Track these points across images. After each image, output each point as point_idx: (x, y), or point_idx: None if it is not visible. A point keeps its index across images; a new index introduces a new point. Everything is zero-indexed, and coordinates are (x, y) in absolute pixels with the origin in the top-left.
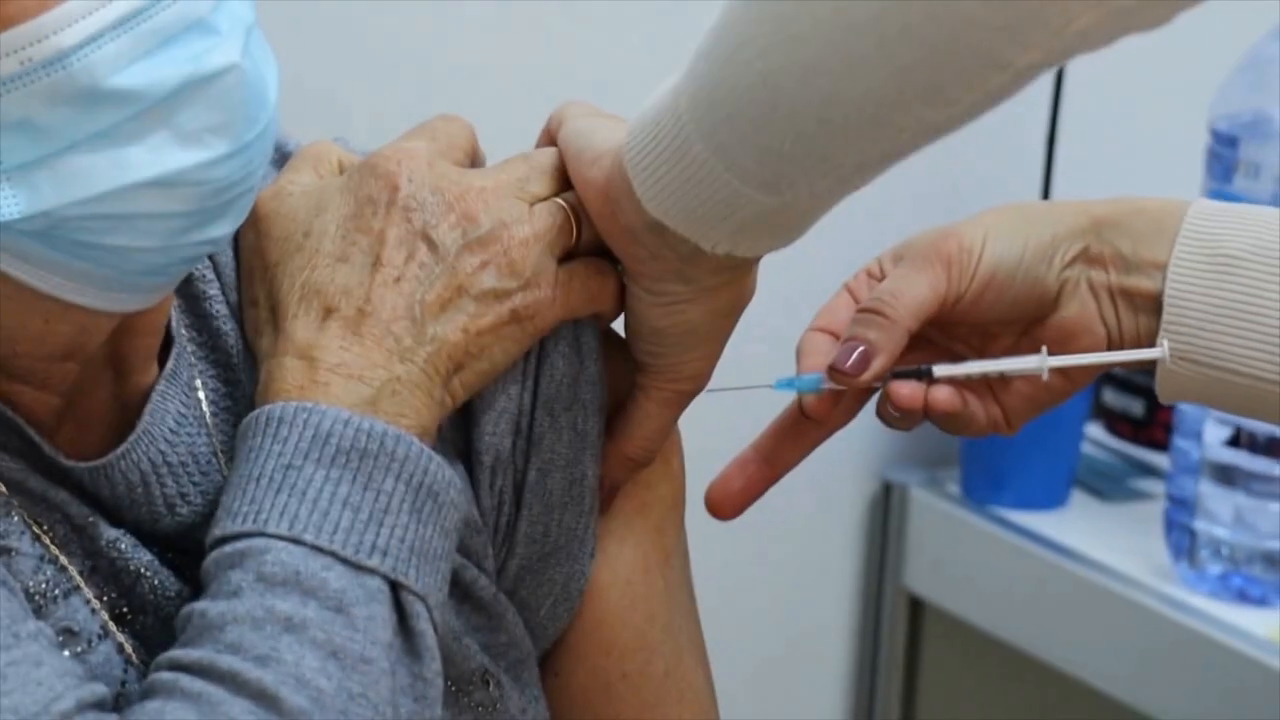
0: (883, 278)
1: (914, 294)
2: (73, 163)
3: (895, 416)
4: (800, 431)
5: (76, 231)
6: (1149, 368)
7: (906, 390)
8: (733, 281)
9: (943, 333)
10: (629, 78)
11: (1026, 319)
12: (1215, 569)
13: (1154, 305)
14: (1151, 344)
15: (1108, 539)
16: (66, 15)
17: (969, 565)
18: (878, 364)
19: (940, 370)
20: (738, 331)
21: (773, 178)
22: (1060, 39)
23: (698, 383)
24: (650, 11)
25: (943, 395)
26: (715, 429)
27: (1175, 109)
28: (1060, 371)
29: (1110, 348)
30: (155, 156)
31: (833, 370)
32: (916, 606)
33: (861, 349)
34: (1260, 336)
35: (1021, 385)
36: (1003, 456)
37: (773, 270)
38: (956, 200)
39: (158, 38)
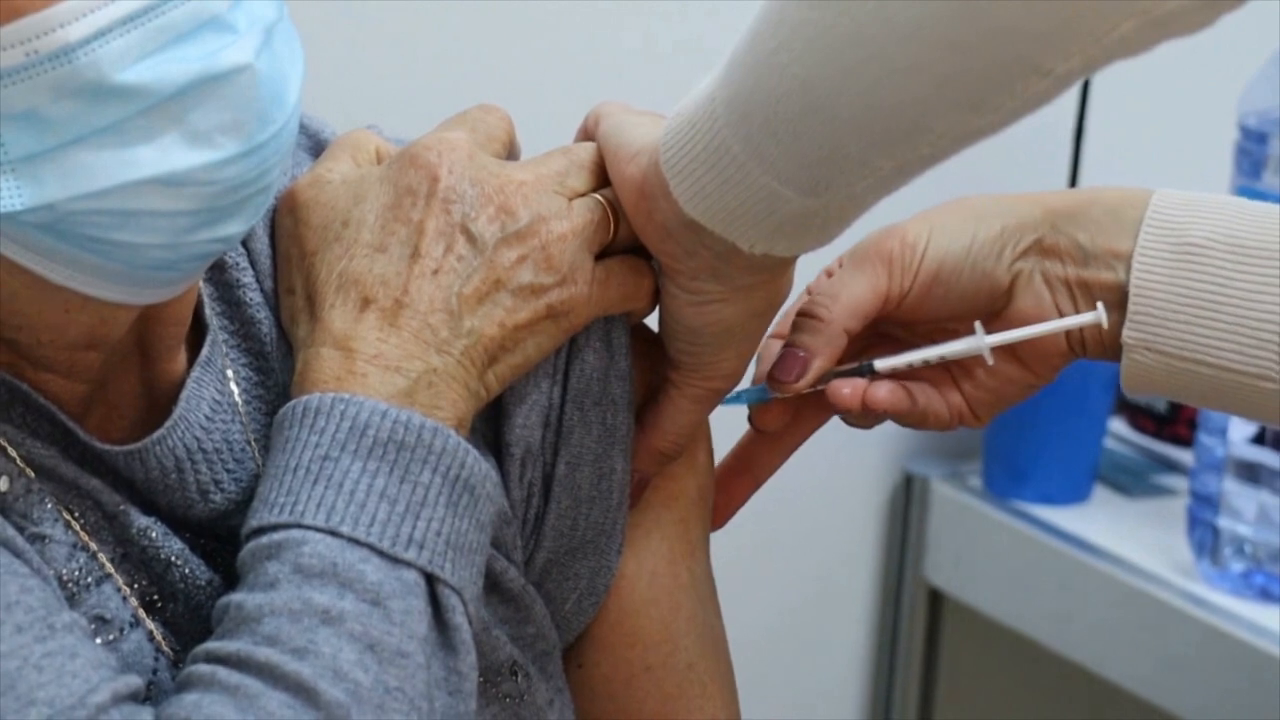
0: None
1: (850, 294)
2: (78, 157)
3: (849, 418)
4: (773, 439)
5: (83, 226)
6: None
7: (847, 390)
8: (769, 281)
9: (905, 330)
10: (658, 74)
11: (979, 313)
12: (1238, 566)
13: (1116, 297)
14: (1116, 340)
15: (1130, 535)
16: (74, 9)
17: (990, 559)
18: (814, 368)
19: (881, 364)
20: None
21: (811, 181)
22: (1101, 45)
23: (731, 381)
24: (678, 9)
25: (881, 394)
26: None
27: (1204, 104)
28: (1017, 360)
29: (1070, 341)
30: (162, 154)
31: (770, 379)
32: (936, 599)
33: (800, 354)
34: (1227, 326)
35: (985, 376)
36: (1025, 450)
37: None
38: None
39: (168, 34)
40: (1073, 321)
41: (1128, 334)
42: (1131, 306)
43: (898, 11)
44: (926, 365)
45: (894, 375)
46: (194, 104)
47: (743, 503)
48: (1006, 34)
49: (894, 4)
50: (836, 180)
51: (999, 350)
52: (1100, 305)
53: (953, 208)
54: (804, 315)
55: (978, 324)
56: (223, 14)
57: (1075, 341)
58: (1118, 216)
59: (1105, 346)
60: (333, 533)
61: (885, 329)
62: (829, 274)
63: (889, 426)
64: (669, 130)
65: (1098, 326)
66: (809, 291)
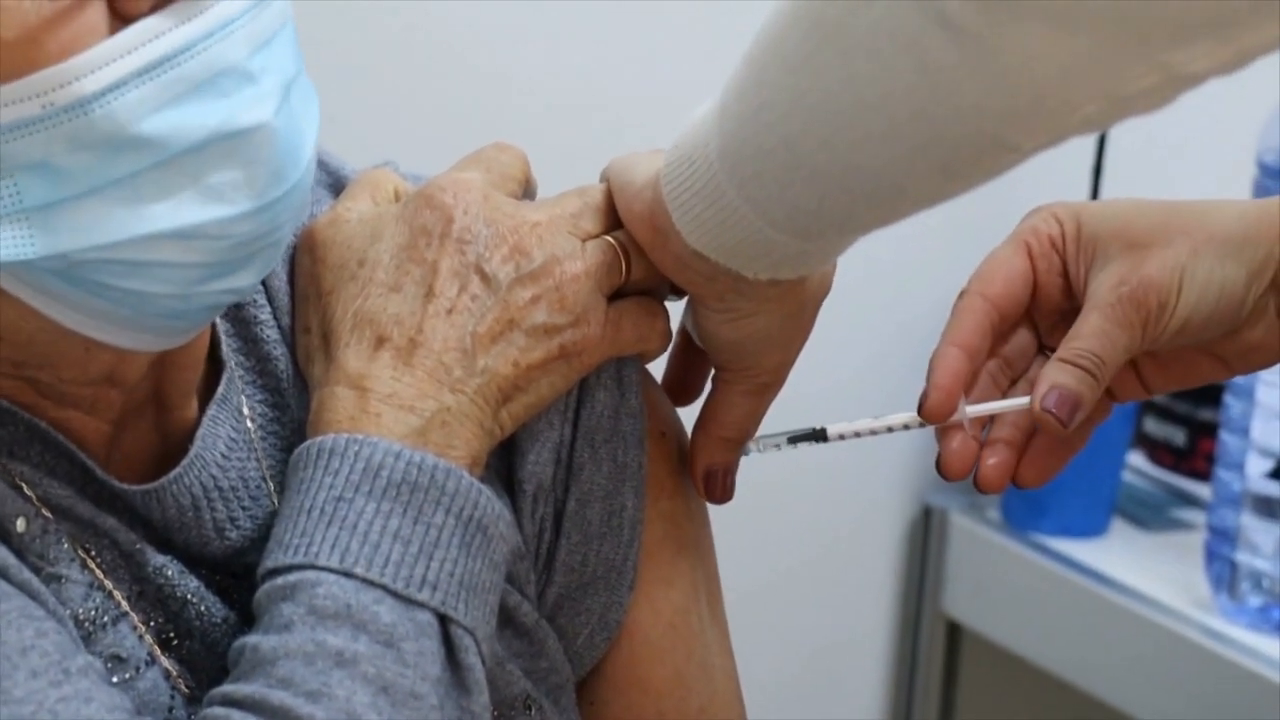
0: (1064, 235)
1: (1115, 358)
2: (92, 208)
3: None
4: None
5: (94, 273)
6: (1191, 392)
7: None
8: (795, 287)
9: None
10: (669, 83)
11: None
12: (1256, 601)
13: None
14: None
15: (1148, 568)
16: (90, 61)
17: (1008, 591)
18: (1079, 416)
19: (833, 429)
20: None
21: (802, 228)
22: (1065, 126)
23: (779, 374)
24: (682, 16)
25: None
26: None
27: (1222, 142)
28: (1221, 361)
29: None
30: (174, 209)
31: (1043, 410)
32: (955, 631)
33: (1071, 398)
34: None
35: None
36: None
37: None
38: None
39: (185, 85)
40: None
41: None
42: None
43: (866, 83)
44: (890, 431)
45: (854, 436)
46: (209, 159)
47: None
48: (971, 113)
49: (862, 75)
50: (828, 229)
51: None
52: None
53: (1199, 239)
54: (1072, 365)
55: (961, 401)
56: (241, 62)
57: None
58: None
59: None
60: (347, 574)
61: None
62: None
63: (907, 457)
64: (670, 164)
65: None
66: (984, 299)
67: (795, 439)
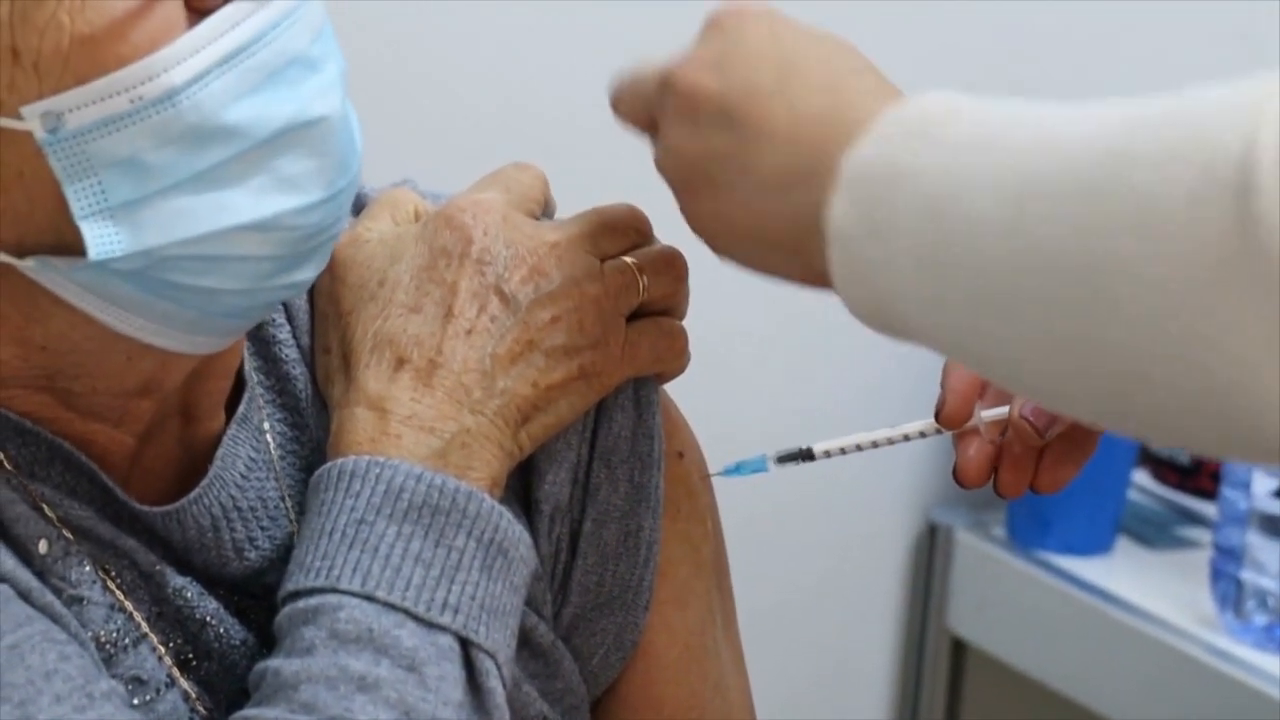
0: None
1: None
2: (177, 203)
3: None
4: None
5: (170, 272)
6: None
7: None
8: None
9: None
10: None
11: None
12: (1261, 620)
13: None
14: None
15: (1153, 586)
16: (176, 53)
17: (1013, 608)
18: (1057, 427)
19: (819, 447)
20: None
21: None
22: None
23: None
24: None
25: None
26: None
27: None
28: None
29: None
30: (255, 200)
31: (1020, 418)
32: (959, 648)
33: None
34: None
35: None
36: (1048, 501)
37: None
38: None
39: (261, 73)
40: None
41: None
42: None
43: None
44: (874, 446)
45: (843, 452)
46: (284, 149)
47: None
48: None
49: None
50: (953, 354)
51: None
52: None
53: None
54: None
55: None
56: (305, 50)
57: None
58: None
59: None
60: (368, 598)
61: None
62: None
63: (912, 474)
64: (849, 199)
65: None
66: None
67: (784, 457)
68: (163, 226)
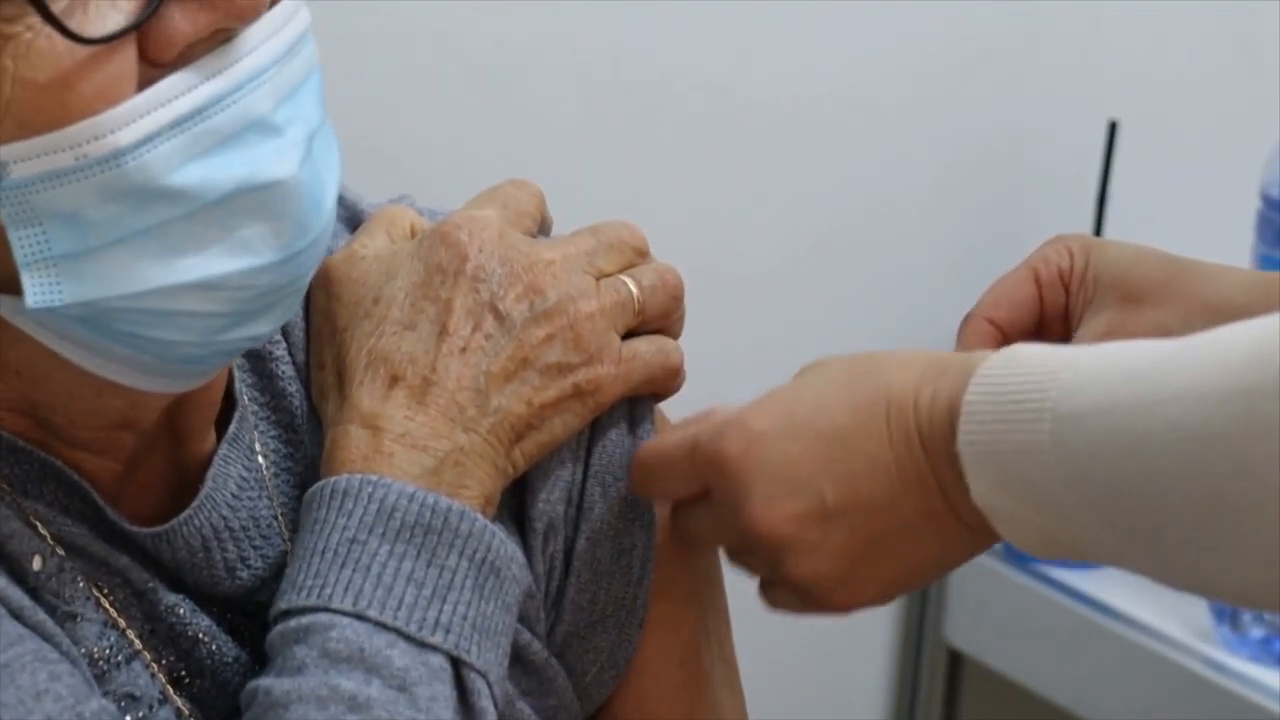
0: (1072, 270)
1: None
2: (119, 258)
3: None
4: None
5: (118, 322)
6: None
7: None
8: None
9: None
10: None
11: None
12: (1258, 633)
13: None
14: None
15: (1149, 598)
16: (126, 114)
17: (1009, 620)
18: None
19: None
20: None
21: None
22: None
23: None
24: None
25: None
26: None
27: (1226, 174)
28: None
29: None
30: (202, 260)
31: None
32: (956, 660)
33: None
34: None
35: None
36: None
37: (841, 303)
38: (1009, 250)
39: (214, 138)
40: None
41: None
42: None
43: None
44: None
45: None
46: (236, 211)
47: None
48: None
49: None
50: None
51: None
52: None
53: (1194, 305)
54: None
55: None
56: (267, 115)
57: None
58: None
59: None
60: (360, 617)
61: None
62: (1060, 271)
63: None
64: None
65: None
66: (1034, 271)
67: None
68: (104, 280)
